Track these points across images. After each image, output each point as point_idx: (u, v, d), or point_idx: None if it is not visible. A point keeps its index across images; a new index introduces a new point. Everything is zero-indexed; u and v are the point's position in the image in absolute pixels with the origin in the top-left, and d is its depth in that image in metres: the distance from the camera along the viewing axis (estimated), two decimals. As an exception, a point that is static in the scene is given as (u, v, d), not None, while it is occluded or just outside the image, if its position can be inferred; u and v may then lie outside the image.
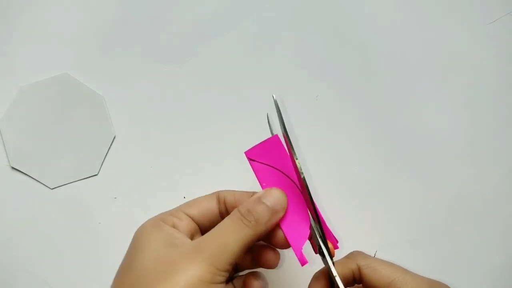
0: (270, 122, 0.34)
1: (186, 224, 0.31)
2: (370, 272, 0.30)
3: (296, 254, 0.30)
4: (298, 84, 0.43)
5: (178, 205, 0.33)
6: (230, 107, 0.43)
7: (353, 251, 0.32)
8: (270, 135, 0.34)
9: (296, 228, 0.31)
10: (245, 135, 0.42)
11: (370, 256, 0.31)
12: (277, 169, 0.32)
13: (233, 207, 0.32)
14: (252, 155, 0.33)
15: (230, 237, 0.29)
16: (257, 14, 0.44)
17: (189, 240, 0.30)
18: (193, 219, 0.32)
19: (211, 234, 0.29)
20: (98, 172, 0.42)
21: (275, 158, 0.32)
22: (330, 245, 0.31)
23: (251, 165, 0.33)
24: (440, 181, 0.41)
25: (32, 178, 0.42)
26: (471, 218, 0.41)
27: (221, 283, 0.28)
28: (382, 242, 0.40)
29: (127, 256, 0.30)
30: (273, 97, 0.32)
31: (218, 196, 0.33)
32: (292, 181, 0.32)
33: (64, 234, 0.41)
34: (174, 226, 0.31)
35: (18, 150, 0.42)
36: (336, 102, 0.42)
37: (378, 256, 0.40)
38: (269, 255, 0.32)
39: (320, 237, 0.31)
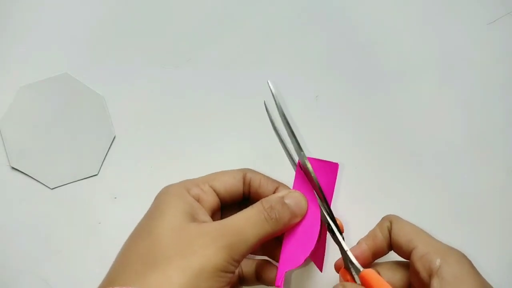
0: (268, 109, 0.34)
1: (210, 200, 0.31)
2: (396, 229, 0.32)
3: (278, 273, 0.31)
4: (298, 84, 0.43)
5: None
6: (231, 107, 0.43)
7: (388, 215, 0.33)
8: (269, 124, 0.34)
9: (294, 251, 0.31)
10: (245, 135, 0.42)
11: (400, 218, 0.33)
12: (314, 192, 0.31)
13: (256, 191, 0.33)
14: (302, 165, 0.32)
15: (249, 229, 0.29)
16: (257, 14, 0.44)
17: (209, 219, 0.30)
18: (218, 195, 0.32)
19: (231, 221, 0.29)
20: (98, 172, 0.42)
21: (321, 181, 0.31)
22: (339, 221, 0.31)
23: (296, 172, 0.32)
24: (440, 181, 0.41)
25: (32, 178, 0.42)
26: (471, 218, 0.41)
27: (232, 272, 0.28)
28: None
29: (146, 218, 0.30)
30: (268, 83, 0.32)
31: (245, 176, 0.33)
32: (321, 211, 0.31)
33: (64, 234, 0.41)
34: (198, 199, 0.31)
35: (18, 150, 0.42)
36: (337, 102, 0.42)
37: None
38: (272, 272, 0.32)
39: (328, 214, 0.31)
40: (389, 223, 0.32)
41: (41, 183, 0.42)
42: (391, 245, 0.32)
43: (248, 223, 0.29)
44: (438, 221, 0.41)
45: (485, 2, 0.43)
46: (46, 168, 0.42)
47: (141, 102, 0.43)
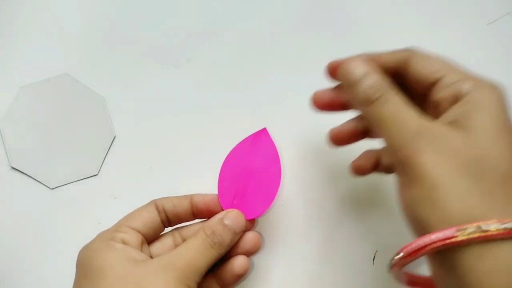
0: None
1: (135, 238, 0.31)
2: (420, 60, 0.26)
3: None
4: (298, 84, 0.43)
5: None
6: (230, 107, 0.43)
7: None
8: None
9: (257, 201, 0.34)
10: (245, 135, 0.42)
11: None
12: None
13: (174, 214, 0.33)
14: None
15: (198, 257, 0.30)
16: (257, 14, 0.44)
17: (147, 257, 0.31)
18: (139, 232, 0.32)
19: (179, 253, 0.30)
20: (98, 172, 0.42)
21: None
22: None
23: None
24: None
25: (32, 178, 0.42)
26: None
27: None
28: (382, 243, 0.41)
29: (84, 284, 0.30)
30: None
31: (156, 205, 0.33)
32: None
33: (64, 234, 0.41)
34: (124, 242, 0.31)
35: (18, 150, 0.42)
36: (336, 102, 0.42)
37: (378, 258, 0.40)
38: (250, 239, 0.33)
39: None
40: (408, 53, 0.27)
41: (41, 183, 0.42)
42: (409, 78, 0.27)
43: (196, 253, 0.30)
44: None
45: (485, 2, 0.43)
46: (46, 168, 0.42)
47: (141, 102, 0.43)
